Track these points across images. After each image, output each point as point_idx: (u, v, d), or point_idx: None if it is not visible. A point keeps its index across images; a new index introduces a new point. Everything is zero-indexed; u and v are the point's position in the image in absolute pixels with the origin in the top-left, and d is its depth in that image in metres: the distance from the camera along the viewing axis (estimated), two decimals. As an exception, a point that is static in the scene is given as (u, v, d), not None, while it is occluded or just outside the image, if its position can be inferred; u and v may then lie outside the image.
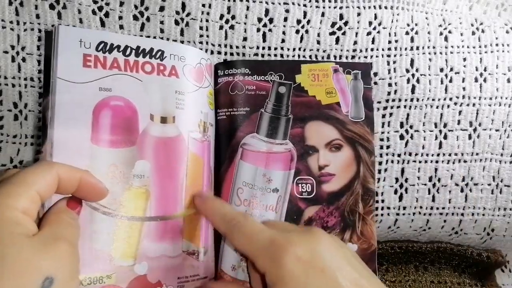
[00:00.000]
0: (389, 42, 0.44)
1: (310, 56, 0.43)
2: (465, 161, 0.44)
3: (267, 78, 0.40)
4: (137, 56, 0.36)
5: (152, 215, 0.35)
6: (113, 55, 0.35)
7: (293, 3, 0.43)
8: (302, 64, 0.41)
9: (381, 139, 0.43)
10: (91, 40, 0.34)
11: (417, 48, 0.44)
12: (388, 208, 0.44)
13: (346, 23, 0.44)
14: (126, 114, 0.34)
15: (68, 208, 0.30)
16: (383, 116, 0.44)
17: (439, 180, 0.44)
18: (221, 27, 0.42)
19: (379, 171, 0.43)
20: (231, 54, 0.42)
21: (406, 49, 0.44)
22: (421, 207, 0.44)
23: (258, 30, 0.43)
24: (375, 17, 0.44)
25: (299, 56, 0.43)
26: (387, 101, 0.43)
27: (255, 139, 0.39)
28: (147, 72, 0.36)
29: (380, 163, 0.43)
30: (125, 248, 0.33)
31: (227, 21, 0.42)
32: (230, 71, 0.40)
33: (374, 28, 0.44)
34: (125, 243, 0.33)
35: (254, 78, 0.40)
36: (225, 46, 0.42)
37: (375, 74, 0.44)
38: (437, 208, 0.44)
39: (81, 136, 0.33)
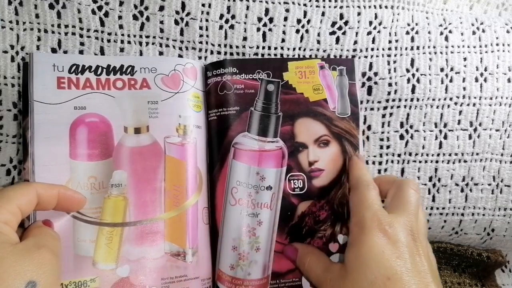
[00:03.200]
0: (390, 41, 0.44)
1: (311, 56, 0.43)
2: (465, 161, 0.44)
3: (255, 76, 0.40)
4: (108, 74, 0.38)
5: (132, 220, 0.37)
6: (85, 75, 0.37)
7: (293, 3, 0.43)
8: (288, 62, 0.41)
9: (381, 139, 0.43)
10: (63, 64, 0.37)
11: (418, 47, 0.44)
12: (388, 208, 0.44)
13: (346, 23, 0.44)
14: (101, 129, 0.37)
15: (44, 225, 0.33)
16: (383, 116, 0.43)
17: (439, 180, 0.44)
18: (221, 27, 0.42)
19: (379, 171, 0.43)
20: (231, 54, 0.42)
21: (406, 48, 0.44)
22: (421, 207, 0.44)
23: (258, 29, 0.43)
24: (376, 17, 0.44)
25: (299, 56, 0.43)
26: (387, 101, 0.43)
27: (247, 138, 0.39)
28: (118, 88, 0.38)
29: (380, 163, 0.43)
30: (106, 253, 0.36)
31: (227, 21, 0.42)
32: (219, 71, 0.40)
33: (375, 28, 0.44)
34: (106, 248, 0.36)
35: (242, 77, 0.40)
36: (225, 46, 0.42)
37: (375, 74, 0.43)
38: (437, 208, 0.44)
39: (60, 152, 0.36)
